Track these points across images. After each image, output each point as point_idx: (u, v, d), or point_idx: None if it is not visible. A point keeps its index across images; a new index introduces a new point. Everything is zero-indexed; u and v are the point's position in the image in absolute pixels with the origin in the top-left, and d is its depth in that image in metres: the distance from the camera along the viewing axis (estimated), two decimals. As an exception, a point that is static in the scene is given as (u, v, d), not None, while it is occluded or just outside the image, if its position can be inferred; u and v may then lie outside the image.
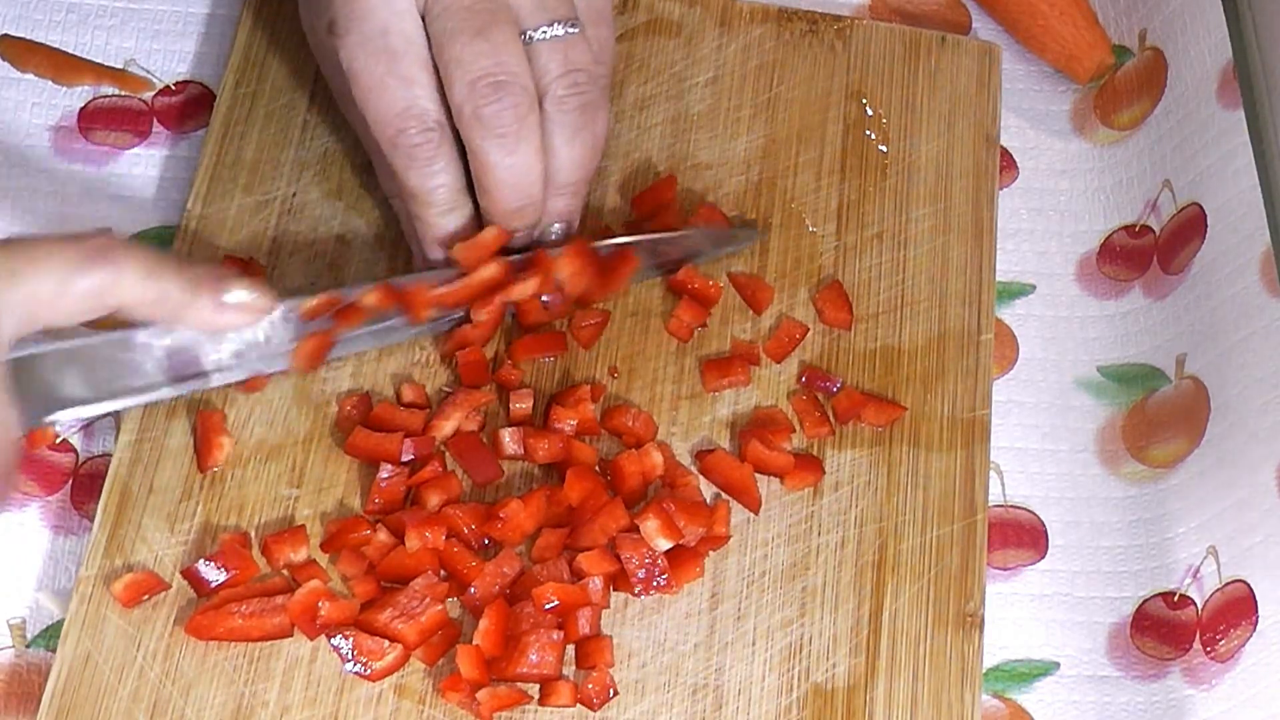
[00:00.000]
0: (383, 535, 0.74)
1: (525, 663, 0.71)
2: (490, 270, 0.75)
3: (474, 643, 0.71)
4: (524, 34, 0.73)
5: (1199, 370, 0.83)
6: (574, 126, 0.75)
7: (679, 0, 0.90)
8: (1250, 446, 0.79)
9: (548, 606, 0.72)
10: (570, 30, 0.74)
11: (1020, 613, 0.79)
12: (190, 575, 0.73)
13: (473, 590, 0.72)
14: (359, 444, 0.76)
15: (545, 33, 0.74)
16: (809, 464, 0.77)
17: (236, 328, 0.71)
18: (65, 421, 0.72)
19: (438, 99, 0.73)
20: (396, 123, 0.73)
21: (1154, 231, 0.88)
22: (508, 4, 0.73)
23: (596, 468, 0.76)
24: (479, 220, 0.76)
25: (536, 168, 0.74)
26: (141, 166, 0.87)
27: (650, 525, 0.73)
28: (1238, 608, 0.76)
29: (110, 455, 0.76)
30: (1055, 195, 0.90)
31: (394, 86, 0.72)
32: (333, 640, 0.71)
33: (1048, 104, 0.93)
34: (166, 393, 0.73)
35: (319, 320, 0.74)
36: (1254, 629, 0.75)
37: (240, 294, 0.70)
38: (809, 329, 0.81)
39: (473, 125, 0.72)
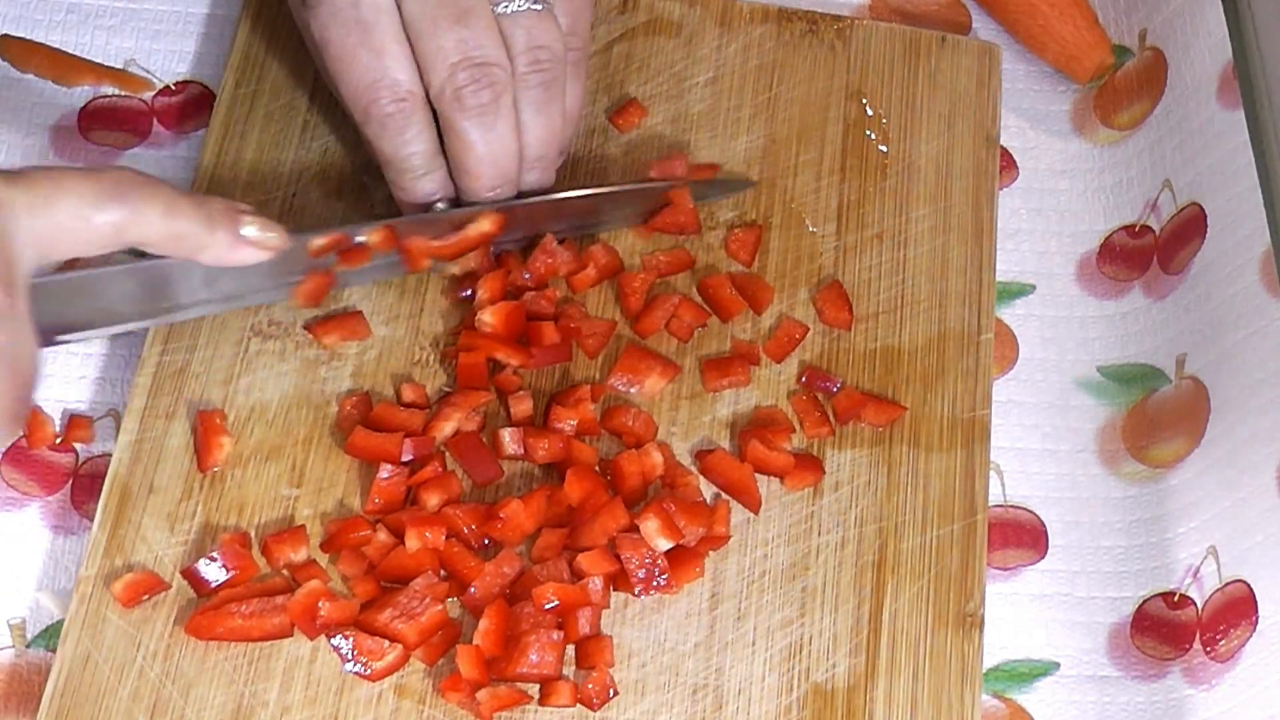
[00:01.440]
0: (383, 535, 0.74)
1: (525, 663, 0.71)
2: (484, 225, 0.78)
3: (474, 643, 0.71)
4: (492, 8, 0.75)
5: (1199, 370, 0.83)
6: (538, 102, 0.76)
7: (679, 0, 0.90)
8: (1250, 446, 0.79)
9: (548, 606, 0.72)
10: (534, 6, 0.75)
11: (1020, 613, 0.79)
12: (190, 575, 0.73)
13: (473, 590, 0.72)
14: (359, 444, 0.76)
15: (507, 7, 0.75)
16: (809, 464, 0.77)
17: (250, 263, 0.72)
18: (74, 340, 0.73)
19: (409, 69, 0.74)
20: (368, 94, 0.75)
21: (1154, 231, 0.88)
22: None
23: (596, 468, 0.76)
24: (452, 182, 0.78)
25: (513, 145, 0.76)
26: (141, 166, 0.86)
27: (650, 525, 0.73)
28: (1238, 608, 0.76)
29: (110, 455, 0.76)
30: (1055, 195, 0.90)
31: (365, 58, 0.74)
32: (333, 640, 0.71)
33: (1048, 104, 0.93)
34: (169, 318, 0.76)
35: (323, 258, 0.76)
36: (1254, 629, 0.75)
37: (254, 230, 0.72)
38: (809, 329, 0.81)
39: (452, 106, 0.74)
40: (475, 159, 0.75)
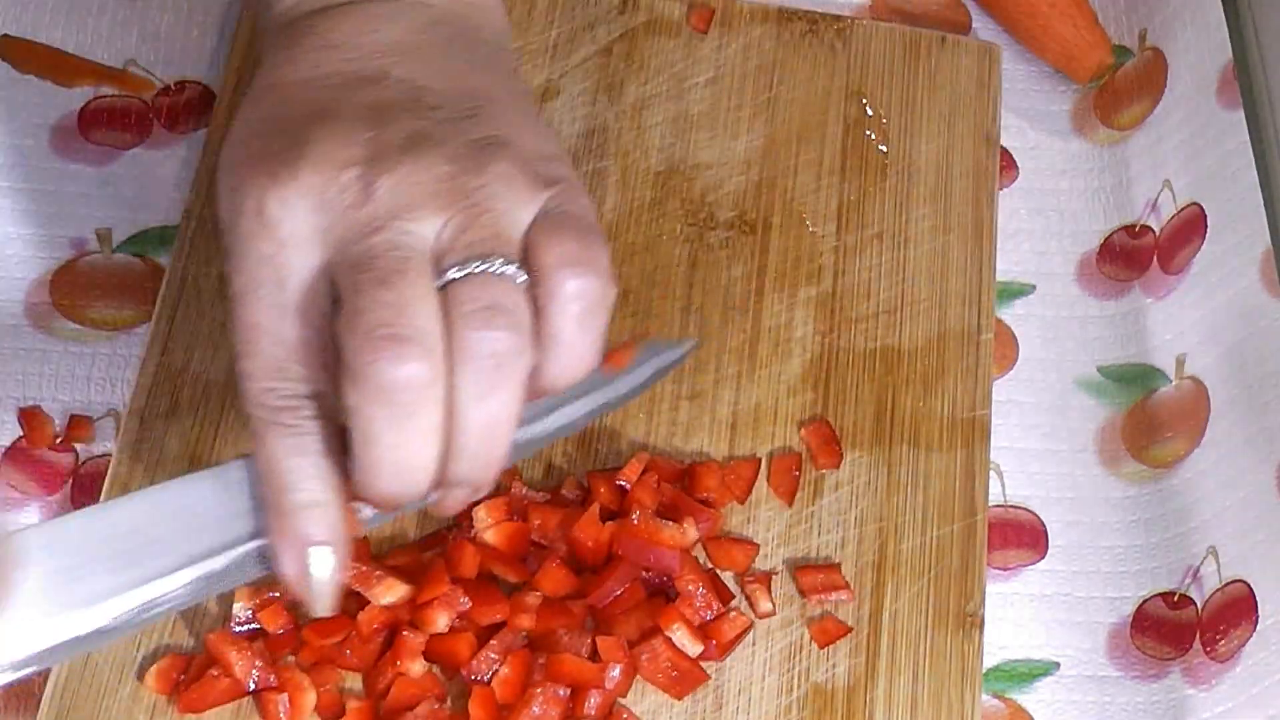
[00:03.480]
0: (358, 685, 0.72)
1: (528, 713, 0.70)
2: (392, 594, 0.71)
3: (490, 686, 0.70)
4: (441, 275, 0.57)
5: (1199, 370, 0.83)
6: (484, 383, 0.56)
7: (679, 0, 0.90)
8: (1250, 446, 0.79)
9: (560, 693, 0.70)
10: (495, 268, 0.57)
11: (1020, 613, 0.79)
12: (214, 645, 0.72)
13: (475, 677, 0.71)
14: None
15: (457, 272, 0.57)
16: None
17: None
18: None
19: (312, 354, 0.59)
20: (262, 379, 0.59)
21: (1154, 231, 0.88)
22: (423, 249, 0.57)
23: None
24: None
25: (428, 452, 0.57)
26: (141, 166, 0.87)
27: (679, 633, 0.72)
28: (1238, 608, 0.76)
29: (110, 455, 0.76)
30: (1055, 195, 0.90)
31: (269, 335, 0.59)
32: None
33: (1048, 104, 0.93)
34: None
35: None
36: (1254, 629, 0.75)
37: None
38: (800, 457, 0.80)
39: (358, 384, 0.56)
40: (373, 460, 0.57)
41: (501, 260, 0.57)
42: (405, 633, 0.71)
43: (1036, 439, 0.83)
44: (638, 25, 0.89)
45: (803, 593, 0.75)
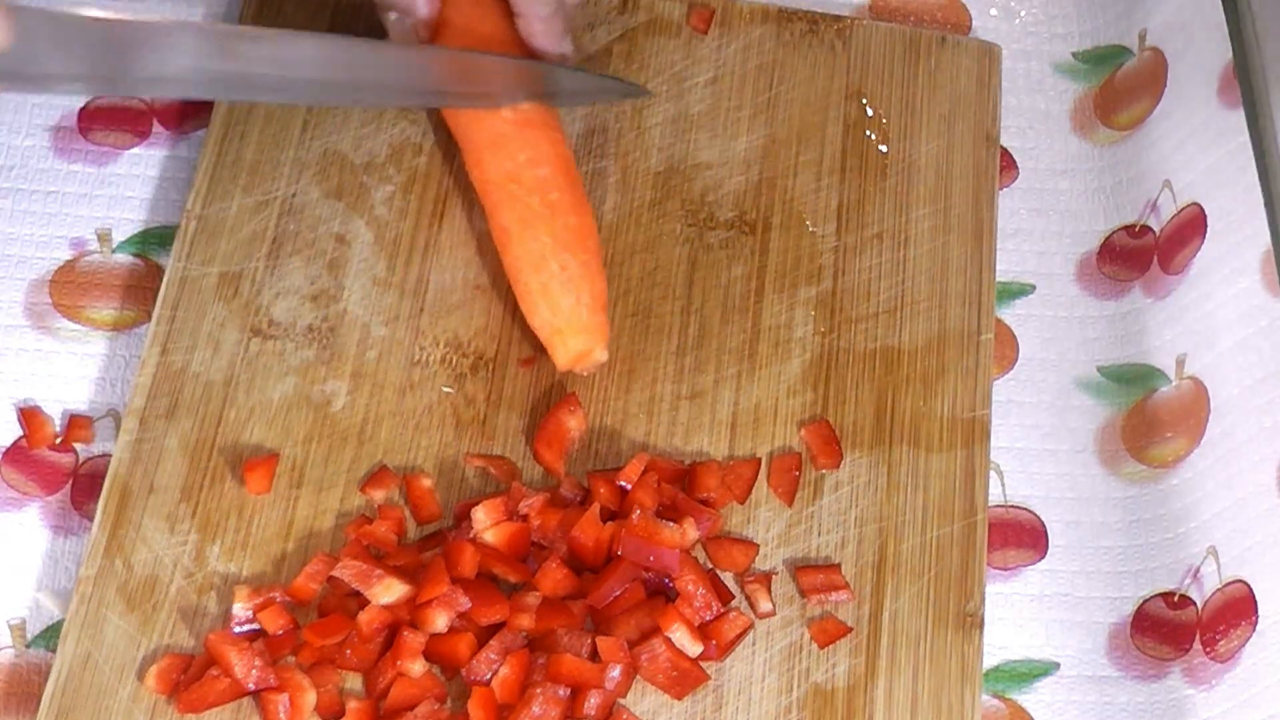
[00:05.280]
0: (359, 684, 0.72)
1: (528, 713, 0.70)
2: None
3: (491, 686, 0.70)
4: None
5: (1199, 370, 0.83)
6: None
7: (679, 0, 0.90)
8: (1250, 446, 0.79)
9: (560, 693, 0.70)
10: None
11: (1020, 613, 0.79)
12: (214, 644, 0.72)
13: (475, 678, 0.71)
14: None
15: None
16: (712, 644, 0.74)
17: None
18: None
19: None
20: None
21: (1154, 231, 0.88)
22: None
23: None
24: None
25: None
26: (141, 166, 0.87)
27: (679, 633, 0.72)
28: (1238, 608, 0.76)
29: (110, 455, 0.76)
30: (1055, 195, 0.90)
31: None
32: None
33: (1048, 104, 0.93)
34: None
35: None
36: (1254, 629, 0.75)
37: None
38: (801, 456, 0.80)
39: None
40: None
41: None
42: (405, 633, 0.71)
43: (1036, 439, 0.83)
44: (638, 25, 0.89)
45: (803, 593, 0.75)
